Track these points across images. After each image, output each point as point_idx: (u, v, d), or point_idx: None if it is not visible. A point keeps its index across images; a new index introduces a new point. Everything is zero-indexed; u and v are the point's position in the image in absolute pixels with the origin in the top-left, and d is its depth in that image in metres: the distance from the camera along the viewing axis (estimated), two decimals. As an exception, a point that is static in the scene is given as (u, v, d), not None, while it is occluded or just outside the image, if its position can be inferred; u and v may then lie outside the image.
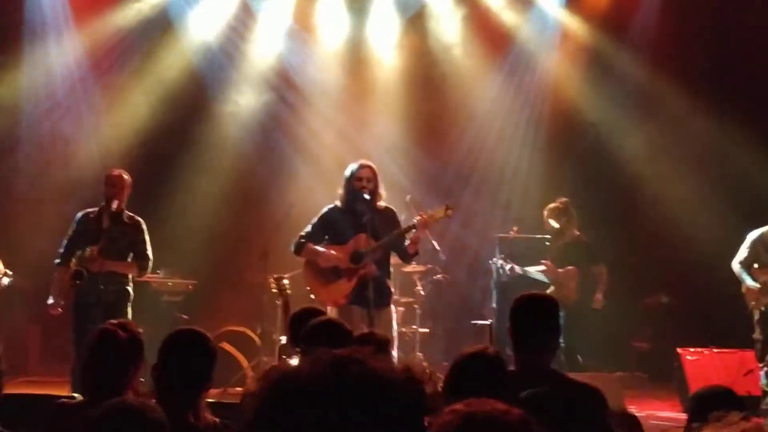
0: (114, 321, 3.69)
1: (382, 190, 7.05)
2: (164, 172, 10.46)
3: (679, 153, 10.27)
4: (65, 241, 7.33)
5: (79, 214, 7.42)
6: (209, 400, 4.03)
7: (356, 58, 10.99)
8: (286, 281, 6.81)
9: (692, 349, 8.41)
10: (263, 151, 10.77)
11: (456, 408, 1.52)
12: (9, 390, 6.91)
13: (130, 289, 7.32)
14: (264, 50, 10.88)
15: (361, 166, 6.99)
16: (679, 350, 8.43)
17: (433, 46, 10.95)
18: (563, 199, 8.95)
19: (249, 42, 10.88)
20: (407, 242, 6.94)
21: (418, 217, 6.82)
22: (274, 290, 7.13)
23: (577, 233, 8.90)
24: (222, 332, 8.78)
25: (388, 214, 7.01)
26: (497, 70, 10.88)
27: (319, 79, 10.90)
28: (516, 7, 10.82)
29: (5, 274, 8.01)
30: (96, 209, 7.34)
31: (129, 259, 7.32)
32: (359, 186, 6.88)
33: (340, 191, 7.05)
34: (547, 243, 8.98)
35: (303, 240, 7.08)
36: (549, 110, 10.80)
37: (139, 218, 7.44)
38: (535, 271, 8.96)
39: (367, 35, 11.00)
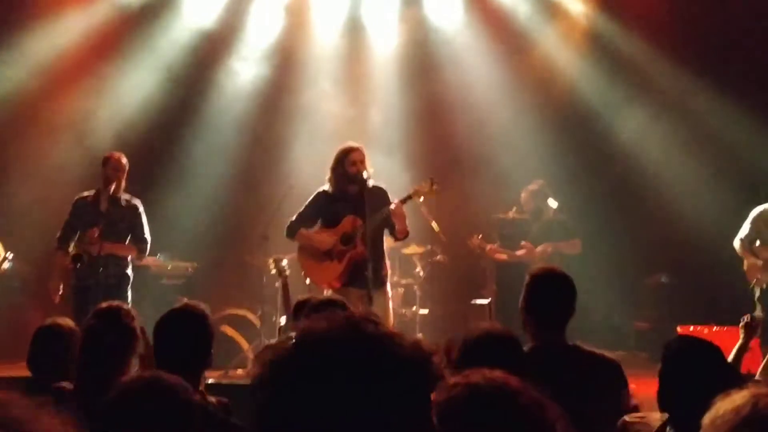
0: (110, 305, 3.67)
1: (371, 170, 6.98)
2: (164, 155, 10.46)
3: (678, 132, 10.23)
4: (63, 225, 7.33)
5: (76, 198, 7.42)
6: (210, 381, 4.03)
7: (354, 37, 10.95)
8: (284, 263, 6.81)
9: (692, 328, 8.40)
10: (262, 133, 10.73)
11: (456, 382, 1.52)
12: (9, 373, 6.95)
13: (129, 271, 7.34)
14: (263, 28, 10.81)
15: (352, 149, 6.94)
16: (679, 329, 8.42)
17: (431, 24, 10.90)
18: (540, 181, 9.07)
19: (248, 19, 10.80)
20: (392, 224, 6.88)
21: (393, 204, 6.77)
22: (273, 272, 7.15)
23: (553, 213, 9.02)
24: (222, 315, 8.79)
25: (379, 194, 6.94)
26: (496, 49, 10.81)
27: (318, 59, 10.85)
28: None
29: (5, 259, 8.00)
30: (92, 192, 7.34)
31: (127, 242, 7.33)
32: (354, 170, 6.83)
33: (329, 175, 7.01)
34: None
35: (295, 225, 7.08)
36: (547, 90, 10.75)
37: (137, 201, 7.44)
38: (516, 253, 9.00)
39: (365, 13, 10.96)
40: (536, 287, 3.76)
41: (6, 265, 8.10)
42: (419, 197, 6.99)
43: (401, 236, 7.00)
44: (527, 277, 3.84)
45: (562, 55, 10.76)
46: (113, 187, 7.20)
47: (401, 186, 7.83)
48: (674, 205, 10.07)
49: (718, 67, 10.03)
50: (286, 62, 10.82)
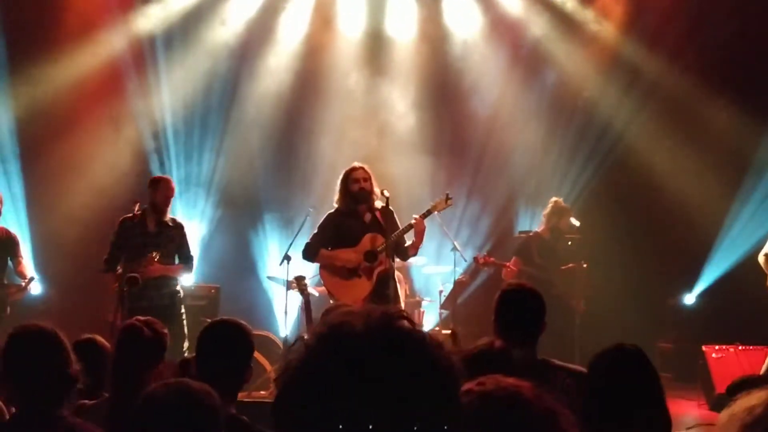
0: (141, 318, 3.74)
1: (377, 190, 7.17)
2: (189, 179, 10.56)
3: (703, 151, 10.13)
4: (110, 247, 7.39)
5: (121, 218, 7.51)
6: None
7: (375, 48, 10.99)
8: (306, 281, 6.85)
9: (717, 347, 8.33)
10: (283, 156, 10.77)
11: (469, 388, 1.52)
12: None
13: (181, 290, 7.45)
14: (292, 32, 10.89)
15: (354, 168, 7.18)
16: (704, 348, 8.35)
17: (450, 39, 10.94)
18: (555, 198, 8.99)
19: (279, 24, 10.88)
20: (408, 242, 7.12)
21: (414, 219, 6.97)
22: (295, 290, 7.18)
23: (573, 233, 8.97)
24: (246, 337, 8.79)
25: (387, 214, 7.10)
26: (515, 63, 10.81)
27: (338, 74, 10.88)
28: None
29: (33, 279, 8.06)
30: (137, 213, 7.41)
31: (174, 261, 7.44)
32: (356, 187, 7.06)
33: (337, 195, 7.21)
34: (569, 243, 8.98)
35: (314, 246, 7.20)
36: (572, 108, 10.70)
37: (181, 221, 7.58)
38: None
39: (386, 24, 11.03)
40: (505, 303, 3.81)
41: (34, 287, 8.16)
42: (436, 211, 7.20)
43: (413, 252, 7.19)
44: (497, 293, 3.89)
45: (582, 72, 10.74)
46: (136, 207, 7.32)
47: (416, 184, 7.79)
48: (697, 223, 10.00)
49: (739, 83, 9.99)
50: (312, 73, 10.83)
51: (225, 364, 3.34)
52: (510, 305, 3.81)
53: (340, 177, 7.23)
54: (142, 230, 7.31)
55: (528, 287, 3.94)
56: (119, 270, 7.11)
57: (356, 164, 7.25)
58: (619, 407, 2.97)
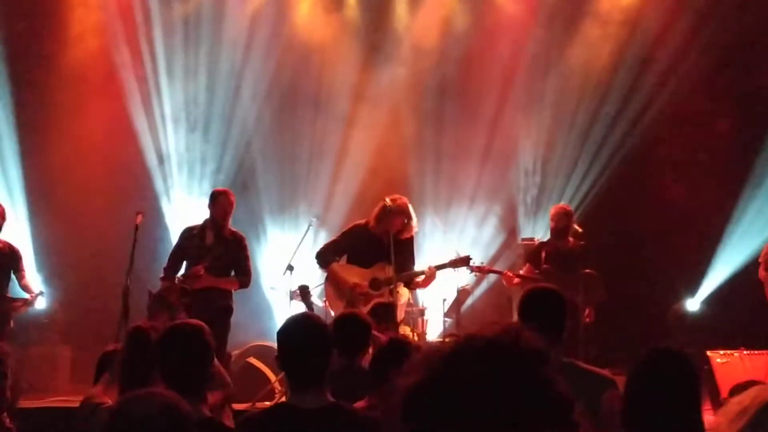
0: (145, 325, 3.75)
1: (414, 223, 7.43)
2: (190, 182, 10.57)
3: (705, 157, 10.12)
4: (170, 257, 7.45)
5: (184, 229, 7.60)
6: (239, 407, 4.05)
7: (379, 44, 10.94)
8: (310, 290, 6.88)
9: (722, 352, 8.31)
10: (285, 159, 10.76)
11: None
12: (41, 404, 6.98)
13: (232, 304, 7.43)
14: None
15: (394, 204, 7.32)
16: (708, 353, 8.33)
17: (453, 36, 10.89)
18: (562, 204, 8.99)
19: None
20: (420, 278, 7.49)
21: (428, 268, 7.39)
22: (298, 300, 7.20)
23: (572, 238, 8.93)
24: (249, 347, 8.79)
25: (407, 243, 7.42)
26: (517, 65, 10.77)
27: (339, 74, 10.83)
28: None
29: (41, 293, 8.08)
30: (199, 225, 7.46)
31: (231, 275, 7.44)
32: (384, 224, 7.24)
33: (374, 215, 7.37)
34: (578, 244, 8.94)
35: (328, 254, 7.42)
36: (571, 115, 10.69)
37: (241, 234, 7.56)
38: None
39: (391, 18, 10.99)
40: (527, 305, 3.79)
41: (41, 302, 8.18)
42: (453, 267, 7.67)
43: (417, 288, 7.78)
44: (521, 296, 3.89)
45: (584, 78, 10.70)
46: (221, 222, 7.39)
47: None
48: (700, 230, 9.99)
49: (741, 91, 9.99)
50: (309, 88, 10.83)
51: (184, 366, 3.29)
52: (530, 306, 3.78)
53: (381, 204, 7.36)
54: (200, 242, 7.36)
55: (550, 288, 3.90)
56: (176, 280, 7.19)
57: (398, 202, 7.35)
58: (660, 411, 2.96)
